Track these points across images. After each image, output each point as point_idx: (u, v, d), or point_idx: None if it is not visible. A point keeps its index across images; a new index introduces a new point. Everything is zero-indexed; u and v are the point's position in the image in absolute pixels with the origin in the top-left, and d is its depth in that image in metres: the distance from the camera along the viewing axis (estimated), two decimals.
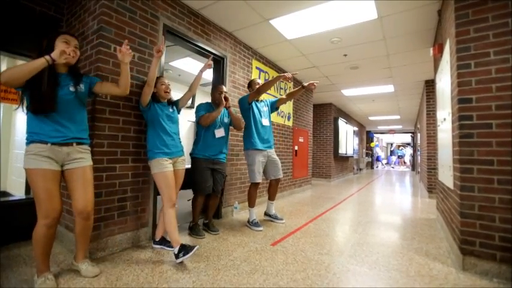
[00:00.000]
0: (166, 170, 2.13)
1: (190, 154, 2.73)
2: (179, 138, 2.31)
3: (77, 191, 1.67)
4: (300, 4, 2.85)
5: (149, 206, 2.48)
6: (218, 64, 3.46)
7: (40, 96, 1.53)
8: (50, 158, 1.56)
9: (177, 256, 1.95)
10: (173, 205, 2.11)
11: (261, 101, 3.12)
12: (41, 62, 1.48)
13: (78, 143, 1.70)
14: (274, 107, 3.23)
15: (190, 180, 2.66)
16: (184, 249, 1.95)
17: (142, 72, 2.43)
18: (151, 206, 2.49)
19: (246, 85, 3.84)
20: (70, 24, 2.54)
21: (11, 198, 2.45)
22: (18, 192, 2.53)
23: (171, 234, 2.04)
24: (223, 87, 2.78)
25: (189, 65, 4.85)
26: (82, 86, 1.74)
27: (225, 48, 3.48)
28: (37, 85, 1.53)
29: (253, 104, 2.99)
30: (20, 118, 2.67)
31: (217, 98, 2.72)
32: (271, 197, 3.25)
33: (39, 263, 1.60)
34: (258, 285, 1.70)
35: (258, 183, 2.99)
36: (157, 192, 2.55)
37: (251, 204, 3.04)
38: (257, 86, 3.00)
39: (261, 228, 2.87)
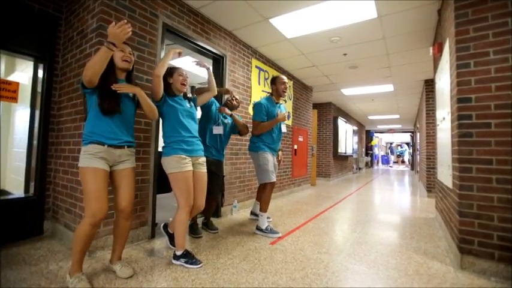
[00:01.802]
0: (187, 169, 1.95)
1: None
2: (199, 139, 2.15)
3: (121, 190, 1.73)
4: (300, 3, 2.85)
5: (149, 205, 2.48)
6: (218, 63, 3.46)
7: (111, 97, 1.61)
8: (104, 158, 1.63)
9: (177, 258, 1.95)
10: (190, 210, 1.99)
11: (280, 104, 2.91)
12: (105, 52, 1.47)
13: (129, 146, 1.77)
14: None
15: None
16: (188, 257, 1.94)
17: (142, 71, 2.43)
18: (151, 205, 2.49)
19: (243, 84, 3.85)
20: (69, 23, 2.53)
21: (9, 197, 2.45)
22: (16, 190, 2.53)
23: (178, 237, 1.97)
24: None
25: (189, 64, 4.83)
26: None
27: (225, 47, 3.47)
28: (106, 86, 1.60)
29: (277, 108, 2.82)
30: (19, 117, 2.66)
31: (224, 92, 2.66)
32: (260, 198, 3.13)
33: (74, 262, 1.60)
34: (256, 284, 1.71)
35: (274, 183, 2.75)
36: (156, 191, 2.56)
37: (265, 208, 2.73)
38: (282, 86, 2.78)
39: (279, 234, 2.64)
